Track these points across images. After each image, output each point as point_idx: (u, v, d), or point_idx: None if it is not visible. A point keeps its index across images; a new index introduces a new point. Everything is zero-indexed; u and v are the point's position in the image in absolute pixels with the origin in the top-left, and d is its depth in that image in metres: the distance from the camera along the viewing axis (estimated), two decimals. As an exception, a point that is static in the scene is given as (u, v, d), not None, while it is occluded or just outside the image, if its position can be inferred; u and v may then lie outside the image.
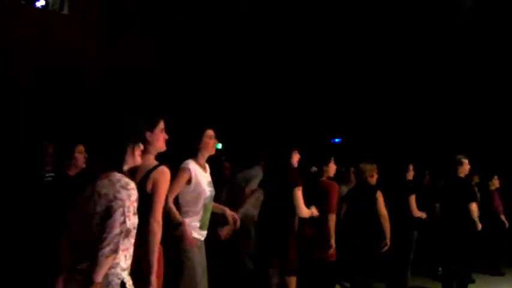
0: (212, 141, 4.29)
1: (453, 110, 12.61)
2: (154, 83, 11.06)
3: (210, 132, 4.31)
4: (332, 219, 5.53)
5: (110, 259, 2.61)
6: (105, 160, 2.76)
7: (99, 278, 2.59)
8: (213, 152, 4.31)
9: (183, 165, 4.06)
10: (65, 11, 10.44)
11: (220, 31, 12.04)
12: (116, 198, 2.64)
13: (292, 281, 5.18)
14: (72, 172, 4.52)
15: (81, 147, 4.52)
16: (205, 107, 11.26)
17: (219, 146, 10.57)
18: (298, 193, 5.11)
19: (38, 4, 10.18)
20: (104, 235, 2.61)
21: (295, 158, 5.36)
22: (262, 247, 5.32)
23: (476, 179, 8.46)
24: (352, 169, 7.09)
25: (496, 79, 12.22)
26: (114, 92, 10.11)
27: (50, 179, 4.78)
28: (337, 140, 13.78)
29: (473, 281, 7.48)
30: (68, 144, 4.60)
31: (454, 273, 6.85)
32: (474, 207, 6.51)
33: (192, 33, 11.82)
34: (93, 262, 2.59)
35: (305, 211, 5.15)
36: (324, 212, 5.53)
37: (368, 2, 12.63)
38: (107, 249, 2.59)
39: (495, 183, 8.51)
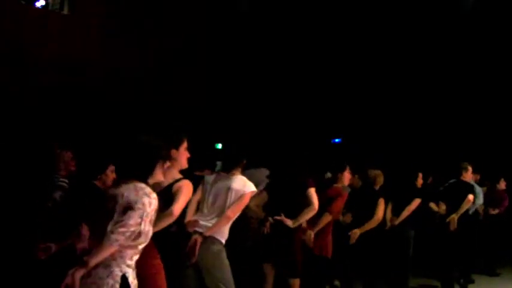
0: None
1: (456, 111, 12.61)
2: (155, 84, 11.07)
3: None
4: (326, 217, 5.49)
5: (111, 249, 2.63)
6: (133, 171, 2.85)
7: (93, 262, 2.61)
8: None
9: (253, 188, 4.39)
10: (65, 11, 10.45)
11: (220, 32, 12.04)
12: (137, 202, 2.71)
13: (297, 283, 5.19)
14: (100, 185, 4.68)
15: (112, 167, 4.61)
16: (206, 108, 11.27)
17: (219, 146, 10.63)
18: (312, 191, 5.11)
19: (38, 4, 10.19)
20: (116, 226, 2.64)
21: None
22: (265, 246, 5.30)
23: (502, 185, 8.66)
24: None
25: (503, 83, 12.21)
26: (115, 93, 10.12)
27: (64, 184, 4.82)
28: (337, 140, 13.79)
29: (472, 281, 7.51)
30: (101, 160, 4.70)
31: (453, 273, 6.90)
32: (471, 197, 6.75)
33: (193, 34, 11.82)
34: (96, 247, 2.63)
35: (313, 213, 5.13)
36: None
37: (368, 2, 12.63)
38: (112, 237, 2.62)
39: (502, 185, 8.64)
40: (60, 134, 7.40)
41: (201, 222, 4.27)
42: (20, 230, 4.63)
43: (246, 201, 4.34)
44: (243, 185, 4.36)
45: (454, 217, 6.78)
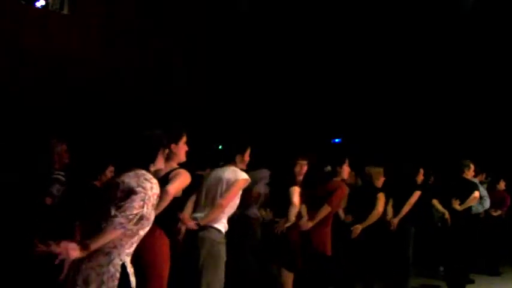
0: (247, 159, 4.64)
1: (456, 111, 12.61)
2: (155, 84, 11.07)
3: (249, 150, 4.65)
4: (325, 209, 5.50)
5: (115, 233, 2.63)
6: (135, 161, 2.88)
7: (94, 246, 2.61)
8: (244, 167, 4.64)
9: (244, 176, 4.42)
10: (65, 11, 10.44)
11: (220, 32, 12.04)
12: (139, 186, 2.73)
13: (290, 277, 5.22)
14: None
15: (112, 168, 4.62)
16: (206, 108, 11.27)
17: (220, 146, 10.61)
18: (294, 189, 5.18)
19: (38, 4, 10.18)
20: (119, 210, 2.65)
21: (303, 169, 5.46)
22: (267, 244, 5.36)
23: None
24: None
25: (504, 83, 12.20)
26: (115, 92, 10.12)
27: (60, 177, 4.81)
28: (337, 140, 13.79)
29: (472, 281, 7.50)
30: (101, 160, 4.72)
31: (455, 271, 6.91)
32: (477, 194, 6.84)
33: (193, 34, 11.82)
34: (99, 231, 2.63)
35: (295, 210, 5.17)
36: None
37: (368, 2, 12.63)
38: (116, 221, 2.62)
39: (501, 185, 8.68)
40: (59, 134, 7.39)
41: (198, 214, 4.32)
42: (18, 227, 4.63)
43: (238, 188, 4.38)
44: (233, 175, 4.41)
45: (459, 208, 6.81)
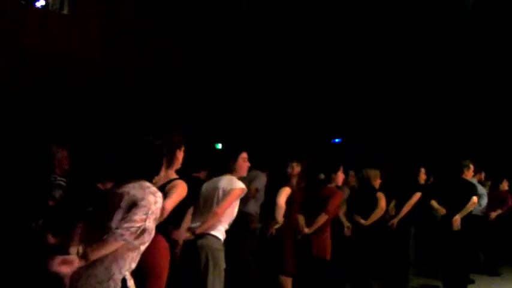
0: (246, 164, 4.55)
1: (457, 111, 12.61)
2: (155, 84, 11.07)
3: (245, 155, 4.56)
4: (323, 217, 5.56)
5: (115, 245, 2.61)
6: (141, 172, 2.86)
7: (94, 256, 2.59)
8: (244, 174, 4.60)
9: (240, 185, 4.37)
10: (65, 11, 10.45)
11: (220, 32, 12.05)
12: (143, 199, 2.71)
13: (288, 282, 5.23)
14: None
15: None
16: (206, 108, 11.27)
17: (219, 146, 10.63)
18: (282, 190, 5.25)
19: (38, 4, 10.19)
20: (121, 222, 2.64)
21: (295, 170, 5.50)
22: (265, 245, 5.41)
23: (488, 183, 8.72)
24: (351, 172, 7.12)
25: (504, 83, 12.20)
26: (115, 92, 10.12)
27: (62, 183, 4.82)
28: (337, 140, 13.79)
29: (472, 281, 7.50)
30: (103, 164, 4.73)
31: (453, 273, 6.91)
32: (476, 199, 6.80)
33: (193, 34, 11.82)
34: (99, 241, 2.61)
35: (280, 211, 5.19)
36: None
37: (368, 2, 12.63)
38: (118, 232, 2.61)
39: (504, 185, 8.68)
40: (59, 134, 7.40)
41: (195, 224, 4.31)
42: (18, 227, 4.63)
43: (233, 197, 4.35)
44: (229, 183, 4.40)
45: (458, 218, 6.76)
